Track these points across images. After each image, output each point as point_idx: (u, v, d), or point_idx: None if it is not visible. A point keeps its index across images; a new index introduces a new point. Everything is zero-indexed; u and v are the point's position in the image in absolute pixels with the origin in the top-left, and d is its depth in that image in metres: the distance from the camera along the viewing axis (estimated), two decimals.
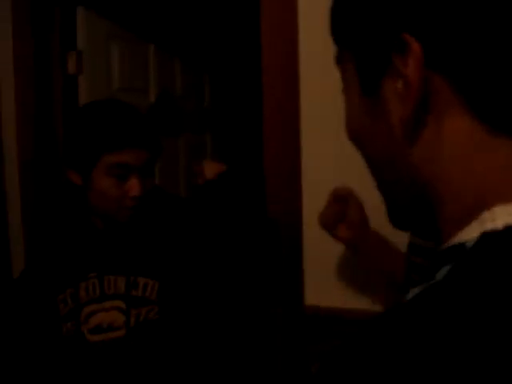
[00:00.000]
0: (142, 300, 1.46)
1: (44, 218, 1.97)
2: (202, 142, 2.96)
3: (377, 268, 1.41)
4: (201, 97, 2.99)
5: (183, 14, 2.78)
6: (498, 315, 0.38)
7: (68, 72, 2.09)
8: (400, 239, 1.21)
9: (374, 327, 0.43)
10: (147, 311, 1.46)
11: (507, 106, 0.44)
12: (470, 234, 0.44)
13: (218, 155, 3.03)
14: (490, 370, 0.36)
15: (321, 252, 1.63)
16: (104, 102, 1.53)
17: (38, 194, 2.02)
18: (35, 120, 2.01)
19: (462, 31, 0.43)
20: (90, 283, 1.49)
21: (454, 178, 0.47)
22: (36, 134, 2.02)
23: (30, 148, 2.01)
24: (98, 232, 1.53)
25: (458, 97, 0.45)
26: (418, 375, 0.37)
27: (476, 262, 0.41)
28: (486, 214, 0.44)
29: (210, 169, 1.76)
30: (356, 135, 0.56)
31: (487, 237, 0.43)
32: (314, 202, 1.62)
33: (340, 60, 0.56)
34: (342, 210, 1.33)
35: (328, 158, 1.60)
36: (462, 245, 0.44)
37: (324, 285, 1.64)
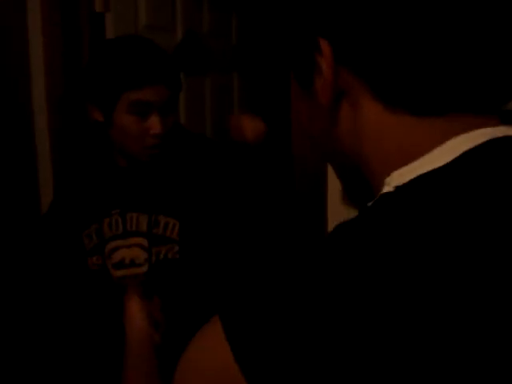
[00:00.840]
0: (163, 238, 1.48)
1: (71, 153, 2.00)
2: (228, 82, 2.95)
3: None
4: (228, 36, 2.95)
5: None
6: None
7: (95, 10, 2.08)
8: None
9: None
10: (167, 250, 1.49)
11: (400, 85, 0.52)
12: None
13: (245, 95, 3.01)
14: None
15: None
16: (125, 38, 1.51)
17: (65, 129, 2.05)
18: (63, 57, 2.01)
19: (360, 33, 0.52)
20: (113, 219, 1.52)
21: (370, 155, 0.56)
22: (64, 71, 2.03)
23: (59, 84, 2.02)
24: (121, 169, 1.54)
25: (364, 86, 0.54)
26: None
27: (363, 218, 0.50)
28: (387, 180, 0.53)
29: (250, 127, 1.69)
30: (305, 129, 0.64)
31: (380, 198, 0.52)
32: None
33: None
34: None
35: None
36: None
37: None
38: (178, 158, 1.53)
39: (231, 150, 1.63)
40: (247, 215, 1.55)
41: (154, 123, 1.41)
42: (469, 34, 0.50)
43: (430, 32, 0.49)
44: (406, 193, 0.50)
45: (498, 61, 0.52)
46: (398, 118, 0.54)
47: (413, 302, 0.42)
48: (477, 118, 0.52)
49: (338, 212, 1.64)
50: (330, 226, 1.67)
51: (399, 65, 0.51)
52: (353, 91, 0.55)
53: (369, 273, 0.44)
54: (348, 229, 0.50)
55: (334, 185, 1.65)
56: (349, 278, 0.44)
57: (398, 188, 0.51)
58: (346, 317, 0.43)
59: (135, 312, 1.11)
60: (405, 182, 0.51)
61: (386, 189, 0.52)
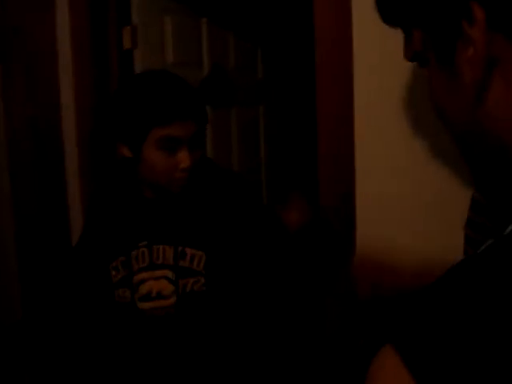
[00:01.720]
0: (189, 271, 1.48)
1: (100, 187, 2.03)
2: (255, 114, 2.97)
3: None
4: (254, 70, 2.99)
5: None
6: None
7: (123, 47, 2.12)
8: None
9: (453, 275, 0.46)
10: (193, 282, 1.49)
11: None
12: None
13: (271, 127, 3.03)
14: None
15: (373, 217, 1.63)
16: (152, 73, 1.54)
17: (95, 164, 2.08)
18: (92, 94, 2.06)
19: None
20: (140, 252, 1.53)
21: None
22: (94, 109, 2.07)
23: (89, 121, 2.06)
24: (148, 201, 1.56)
25: None
26: (494, 319, 0.41)
27: None
28: None
29: (295, 210, 1.65)
30: (437, 103, 0.61)
31: None
32: (367, 182, 1.62)
33: (409, 41, 0.61)
34: None
35: (382, 133, 1.59)
36: None
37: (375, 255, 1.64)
38: (205, 191, 1.55)
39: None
40: (270, 250, 1.55)
41: (183, 158, 1.43)
42: None
43: None
44: None
45: None
46: None
47: None
48: None
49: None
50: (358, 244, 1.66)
51: None
52: (507, 64, 0.51)
53: None
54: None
55: (362, 214, 1.65)
56: None
57: None
58: None
59: None
60: None
61: None
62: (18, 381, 1.84)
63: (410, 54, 0.62)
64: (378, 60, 1.56)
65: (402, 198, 1.59)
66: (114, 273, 1.55)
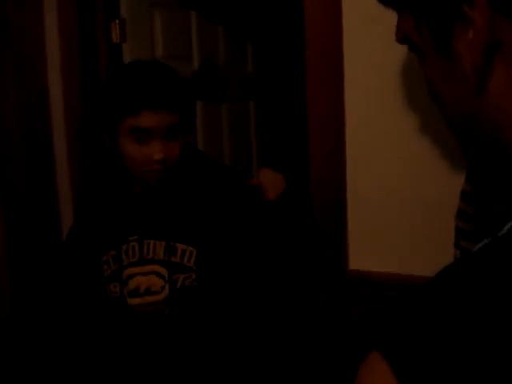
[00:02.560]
0: (180, 266, 1.47)
1: (90, 180, 2.02)
2: (245, 110, 2.96)
3: None
4: (244, 64, 2.98)
5: None
6: None
7: (112, 41, 2.11)
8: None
9: (445, 277, 0.45)
10: (184, 278, 1.47)
11: None
12: None
13: (262, 122, 3.03)
14: None
15: (364, 216, 1.63)
16: (132, 64, 1.52)
17: (84, 157, 2.06)
18: (81, 89, 2.04)
19: None
20: (130, 246, 1.51)
21: None
22: (82, 102, 2.05)
23: (77, 116, 2.05)
24: (138, 196, 1.54)
25: None
26: (484, 323, 0.39)
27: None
28: None
29: (269, 184, 1.62)
30: (434, 91, 0.58)
31: None
32: (357, 164, 1.61)
33: (411, 34, 0.58)
34: None
35: (372, 121, 1.59)
36: None
37: (367, 249, 1.64)
38: (196, 185, 1.53)
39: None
40: (263, 244, 1.53)
41: (156, 149, 1.40)
42: None
43: None
44: None
45: None
46: None
47: None
48: None
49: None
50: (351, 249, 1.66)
51: None
52: (510, 49, 0.48)
53: None
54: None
55: (353, 213, 1.64)
56: None
57: None
58: None
59: None
60: None
61: None
62: (7, 377, 1.83)
63: (401, 35, 0.60)
64: (369, 56, 1.56)
65: (395, 191, 1.58)
66: (105, 267, 1.54)
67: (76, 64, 2.03)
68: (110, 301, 1.54)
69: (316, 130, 1.66)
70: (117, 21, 2.11)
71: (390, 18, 0.63)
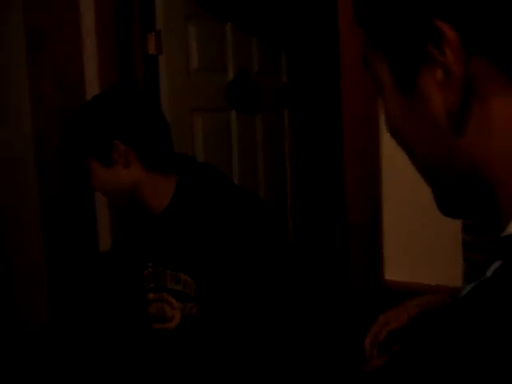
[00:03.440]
0: (185, 296, 1.47)
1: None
2: (279, 120, 2.96)
3: None
4: (278, 74, 2.98)
5: None
6: None
7: (148, 52, 2.14)
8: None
9: (432, 329, 0.44)
10: (191, 307, 1.46)
11: None
12: None
13: (296, 132, 3.02)
14: None
15: (400, 227, 1.61)
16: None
17: None
18: None
19: (501, 9, 0.41)
20: (148, 273, 1.52)
21: (504, 163, 0.46)
22: None
23: None
24: (153, 220, 1.53)
25: (501, 77, 0.44)
26: (470, 370, 0.38)
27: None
28: None
29: None
30: (398, 133, 0.54)
31: None
32: (393, 177, 1.60)
33: (371, 59, 0.54)
34: None
35: None
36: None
37: (403, 260, 1.63)
38: (205, 213, 1.46)
39: (256, 214, 1.49)
40: (264, 279, 1.43)
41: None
42: None
43: None
44: None
45: None
46: None
47: None
48: None
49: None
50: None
51: None
52: (484, 86, 0.45)
53: None
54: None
55: (389, 222, 1.63)
56: None
57: None
58: None
59: None
60: None
61: None
62: None
63: (363, 56, 0.56)
64: None
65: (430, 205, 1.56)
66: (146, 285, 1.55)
67: (113, 75, 2.06)
68: (135, 321, 1.56)
69: (351, 133, 1.66)
70: (153, 33, 2.14)
71: None
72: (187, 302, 1.46)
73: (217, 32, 2.50)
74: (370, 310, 1.67)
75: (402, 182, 1.59)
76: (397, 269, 1.65)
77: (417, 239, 1.61)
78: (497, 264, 0.42)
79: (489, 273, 0.43)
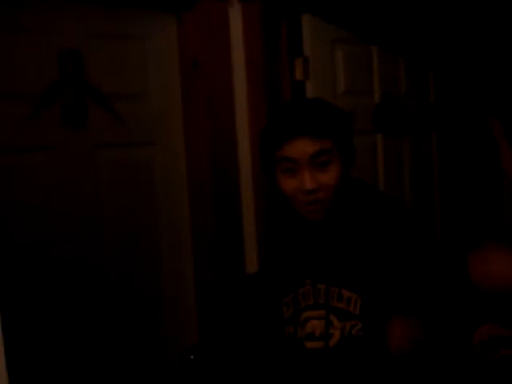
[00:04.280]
0: (347, 314, 1.42)
1: (274, 222, 2.05)
2: (427, 144, 2.87)
3: None
4: (425, 97, 2.90)
5: (405, 14, 2.72)
6: None
7: (295, 78, 2.15)
8: None
9: None
10: (351, 326, 1.41)
11: None
12: None
13: (443, 156, 2.91)
14: None
15: None
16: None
17: (269, 200, 2.11)
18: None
19: None
20: (305, 290, 1.49)
21: None
22: None
23: None
24: (310, 237, 1.51)
25: None
26: None
27: None
28: None
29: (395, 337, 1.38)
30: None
31: None
32: None
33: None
34: None
35: None
36: None
37: None
38: (363, 224, 1.43)
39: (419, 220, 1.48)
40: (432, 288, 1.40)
41: (302, 179, 1.35)
42: None
43: None
44: None
45: None
46: None
47: None
48: None
49: None
50: None
51: None
52: None
53: None
54: None
55: None
56: None
57: None
58: None
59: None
60: None
61: None
62: None
63: None
64: None
65: None
66: (285, 308, 1.54)
67: (262, 101, 2.09)
68: (286, 342, 1.53)
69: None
70: (300, 58, 2.16)
71: None
72: (348, 320, 1.42)
73: (363, 55, 2.48)
74: None
75: None
76: None
77: None
78: None
79: None
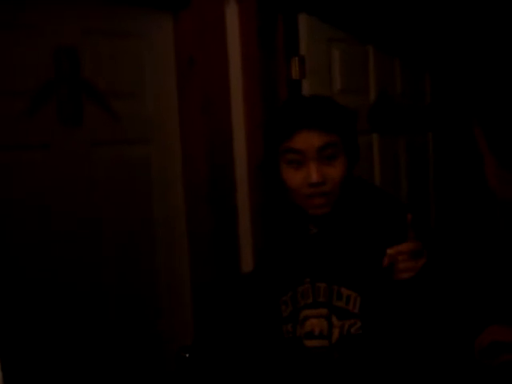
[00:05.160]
0: (346, 312, 1.43)
1: (270, 221, 2.05)
2: (423, 142, 2.88)
3: None
4: (421, 96, 2.91)
5: (401, 14, 2.72)
6: None
7: (292, 77, 2.16)
8: None
9: None
10: (350, 325, 1.41)
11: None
12: None
13: (439, 155, 2.92)
14: None
15: None
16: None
17: (265, 197, 2.11)
18: (262, 124, 2.10)
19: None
20: (304, 288, 1.49)
21: None
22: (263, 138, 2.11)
23: (259, 151, 2.10)
24: (312, 237, 1.51)
25: None
26: None
27: None
28: None
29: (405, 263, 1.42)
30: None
31: None
32: None
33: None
34: None
35: None
36: None
37: None
38: (364, 222, 1.43)
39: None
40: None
41: (309, 171, 1.35)
42: None
43: None
44: None
45: None
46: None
47: None
48: None
49: None
50: None
51: None
52: None
53: None
54: None
55: None
56: None
57: None
58: None
59: None
60: None
61: None
62: None
63: None
64: None
65: None
66: (283, 307, 1.53)
67: (258, 98, 2.10)
68: (285, 341, 1.53)
69: None
70: (296, 57, 2.16)
71: None
72: (347, 319, 1.42)
73: (359, 54, 2.49)
74: None
75: None
76: None
77: None
78: None
79: None
